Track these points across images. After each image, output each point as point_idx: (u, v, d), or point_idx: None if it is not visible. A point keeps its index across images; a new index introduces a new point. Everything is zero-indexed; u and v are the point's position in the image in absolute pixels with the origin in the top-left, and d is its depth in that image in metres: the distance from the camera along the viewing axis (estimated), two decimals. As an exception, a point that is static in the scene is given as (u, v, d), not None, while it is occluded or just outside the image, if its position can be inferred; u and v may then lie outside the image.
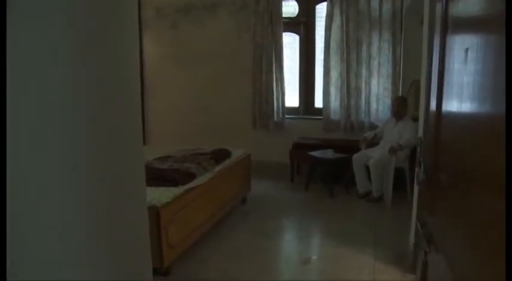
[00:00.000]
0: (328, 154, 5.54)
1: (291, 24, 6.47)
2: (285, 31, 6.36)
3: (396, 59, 5.82)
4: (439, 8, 1.55)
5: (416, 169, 1.70)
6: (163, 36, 6.89)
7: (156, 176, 3.63)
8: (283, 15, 6.29)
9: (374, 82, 5.99)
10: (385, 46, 5.86)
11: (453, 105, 1.37)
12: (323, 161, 5.51)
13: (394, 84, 5.88)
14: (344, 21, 5.95)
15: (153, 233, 2.93)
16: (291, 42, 6.59)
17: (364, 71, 6.02)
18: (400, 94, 5.72)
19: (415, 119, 4.65)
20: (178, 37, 6.80)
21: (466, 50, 1.18)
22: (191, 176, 3.80)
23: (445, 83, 1.49)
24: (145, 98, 7.01)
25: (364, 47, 5.98)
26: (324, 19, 6.12)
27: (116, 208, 1.80)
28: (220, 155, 4.61)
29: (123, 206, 1.87)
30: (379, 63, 5.93)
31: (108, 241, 1.75)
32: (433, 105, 1.64)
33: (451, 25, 1.44)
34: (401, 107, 5.21)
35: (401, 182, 5.15)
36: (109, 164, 1.73)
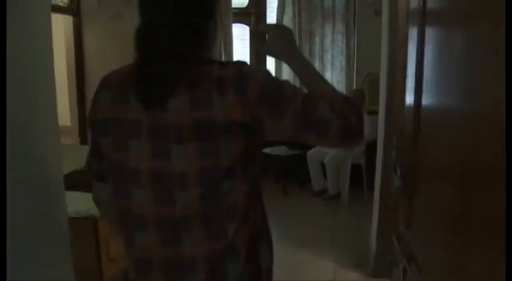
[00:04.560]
0: (282, 150, 5.36)
1: (241, 15, 6.20)
2: (234, 22, 6.09)
3: (350, 51, 5.73)
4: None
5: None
6: (106, 27, 6.45)
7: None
8: (233, 6, 6.01)
9: (327, 75, 5.83)
10: (339, 38, 5.74)
11: (435, 101, 1.20)
12: (276, 158, 5.33)
13: (348, 77, 5.78)
14: (296, 12, 5.78)
15: (90, 247, 2.67)
16: (240, 34, 6.37)
17: (317, 64, 5.85)
18: (354, 87, 5.63)
19: (370, 113, 4.54)
20: (123, 28, 6.37)
21: (444, 42, 1.13)
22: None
23: (425, 78, 1.34)
24: (87, 93, 6.58)
25: (317, 39, 5.84)
26: (275, 10, 5.93)
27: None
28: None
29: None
30: (332, 56, 5.81)
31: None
32: (409, 101, 1.46)
33: (428, 18, 1.33)
34: (358, 101, 5.08)
35: (357, 179, 5.03)
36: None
